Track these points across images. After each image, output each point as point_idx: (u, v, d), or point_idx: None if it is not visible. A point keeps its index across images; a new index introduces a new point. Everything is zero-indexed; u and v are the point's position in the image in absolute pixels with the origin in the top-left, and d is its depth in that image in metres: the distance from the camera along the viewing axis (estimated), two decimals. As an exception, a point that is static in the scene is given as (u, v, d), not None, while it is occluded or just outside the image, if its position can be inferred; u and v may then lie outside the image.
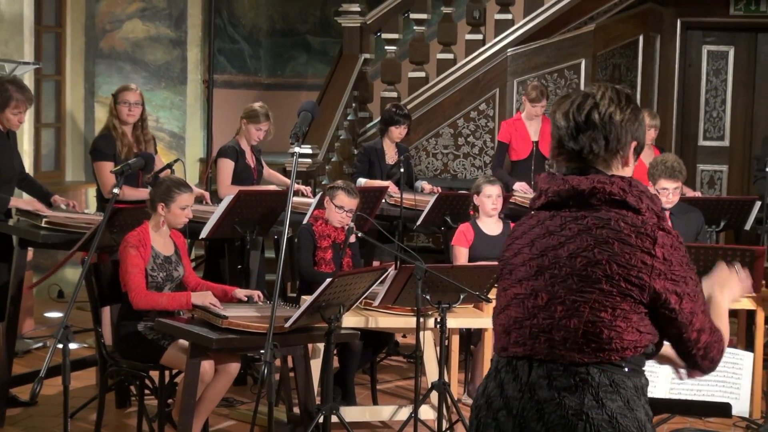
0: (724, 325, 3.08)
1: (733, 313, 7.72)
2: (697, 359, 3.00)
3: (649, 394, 3.04)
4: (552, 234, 3.02)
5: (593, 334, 2.90)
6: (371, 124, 10.88)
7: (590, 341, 2.90)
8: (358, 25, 11.03)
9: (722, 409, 3.84)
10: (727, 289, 3.18)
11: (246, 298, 6.06)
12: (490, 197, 7.48)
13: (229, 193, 7.32)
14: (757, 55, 11.23)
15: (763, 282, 6.97)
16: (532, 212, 3.14)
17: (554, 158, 3.12)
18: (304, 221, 7.25)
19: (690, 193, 8.75)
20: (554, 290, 2.96)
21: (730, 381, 3.74)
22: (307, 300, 5.59)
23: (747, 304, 7.07)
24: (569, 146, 3.04)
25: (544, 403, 2.93)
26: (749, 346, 7.29)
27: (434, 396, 6.28)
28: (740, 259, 6.82)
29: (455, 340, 6.75)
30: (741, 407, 3.69)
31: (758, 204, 8.28)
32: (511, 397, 2.99)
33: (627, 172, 3.07)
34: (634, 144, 3.05)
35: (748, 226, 8.43)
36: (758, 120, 11.25)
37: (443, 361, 6.23)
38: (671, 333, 2.97)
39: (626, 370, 2.93)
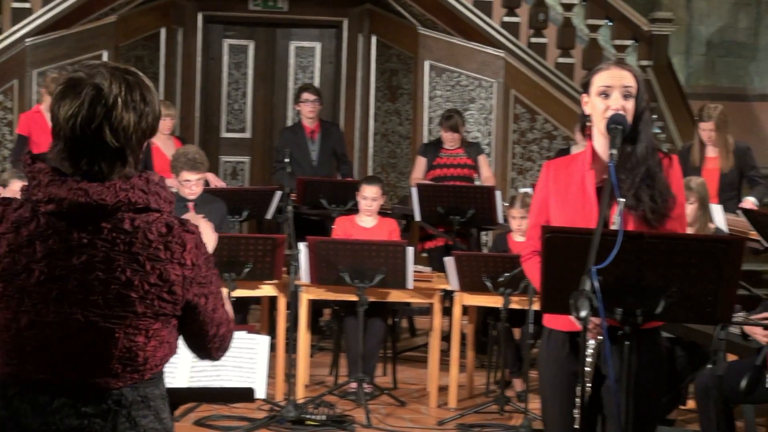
0: (225, 302, 2.98)
1: (257, 300, 7.94)
2: (212, 351, 2.95)
3: (169, 385, 3.01)
4: (77, 251, 2.73)
5: (129, 359, 2.75)
6: None
7: (125, 366, 2.75)
8: None
9: (245, 395, 3.93)
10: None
11: None
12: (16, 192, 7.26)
13: None
14: (275, 49, 11.61)
15: (284, 269, 7.23)
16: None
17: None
18: None
19: (214, 183, 8.90)
20: (85, 315, 2.72)
21: (248, 366, 3.83)
22: None
23: (269, 291, 7.32)
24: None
25: (73, 431, 2.74)
26: (272, 332, 7.53)
27: None
28: (263, 248, 7.06)
29: None
30: (260, 390, 3.81)
31: (278, 194, 8.56)
32: (32, 428, 2.74)
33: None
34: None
35: (269, 215, 8.71)
36: (277, 112, 11.64)
37: None
38: (189, 331, 2.89)
39: (154, 379, 2.82)
